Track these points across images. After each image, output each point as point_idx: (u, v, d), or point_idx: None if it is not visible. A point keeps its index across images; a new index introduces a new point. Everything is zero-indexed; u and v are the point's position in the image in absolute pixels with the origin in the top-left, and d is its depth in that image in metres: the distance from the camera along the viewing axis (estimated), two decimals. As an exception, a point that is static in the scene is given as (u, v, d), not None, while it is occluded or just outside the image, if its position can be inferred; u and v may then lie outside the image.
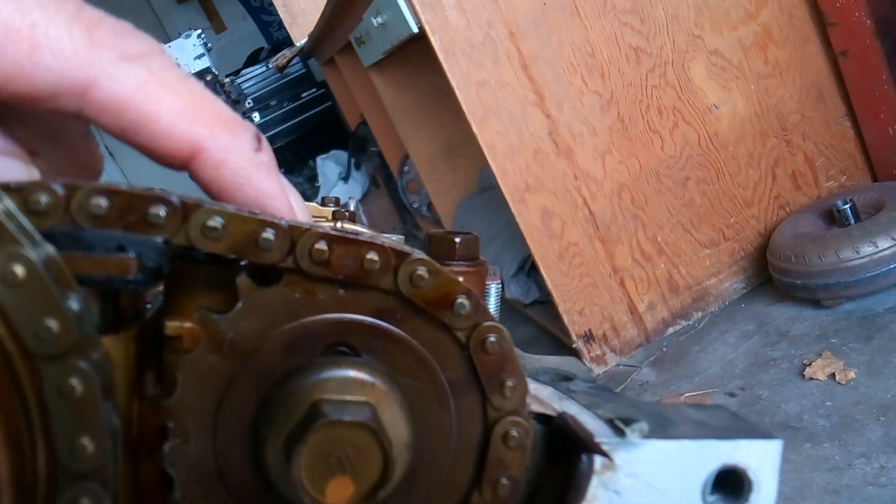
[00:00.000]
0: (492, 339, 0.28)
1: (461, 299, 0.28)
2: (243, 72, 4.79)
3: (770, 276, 1.75)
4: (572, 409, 0.30)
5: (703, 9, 1.76)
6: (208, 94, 0.29)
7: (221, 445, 0.28)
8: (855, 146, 1.88)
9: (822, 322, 1.55)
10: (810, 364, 1.41)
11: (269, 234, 0.27)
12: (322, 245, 0.27)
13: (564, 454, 0.29)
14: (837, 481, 1.14)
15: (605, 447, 0.27)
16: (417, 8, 1.64)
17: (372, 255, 0.27)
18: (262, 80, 4.76)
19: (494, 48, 1.68)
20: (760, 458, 0.28)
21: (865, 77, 1.72)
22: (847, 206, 1.61)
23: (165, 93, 0.28)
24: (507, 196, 1.74)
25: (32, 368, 0.24)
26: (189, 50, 3.97)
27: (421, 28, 1.67)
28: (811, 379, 1.39)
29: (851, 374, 1.34)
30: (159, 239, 0.26)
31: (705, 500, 0.28)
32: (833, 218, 1.65)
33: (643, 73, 1.76)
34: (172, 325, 0.28)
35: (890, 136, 1.74)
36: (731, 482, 0.28)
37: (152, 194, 0.26)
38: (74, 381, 0.24)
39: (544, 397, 0.31)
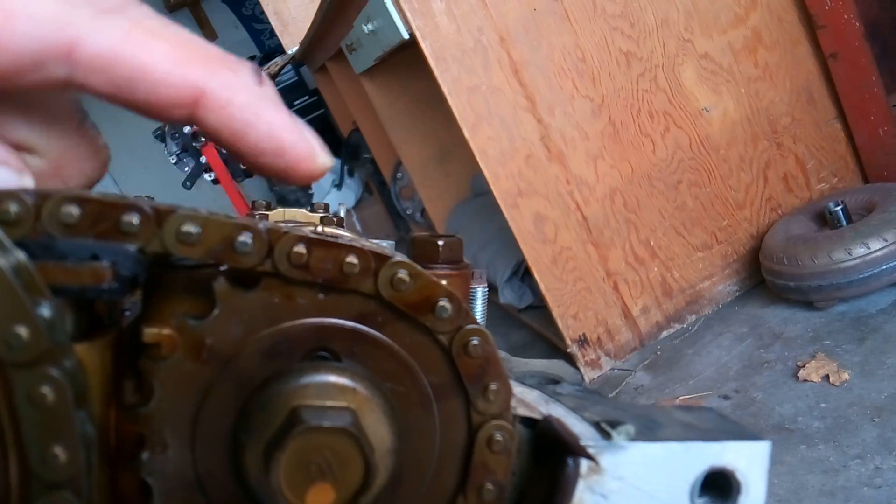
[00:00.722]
0: (475, 342, 0.27)
1: (443, 302, 0.27)
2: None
3: (763, 278, 1.75)
4: (558, 412, 0.30)
5: (693, 13, 1.76)
6: (197, 37, 0.28)
7: (200, 454, 0.27)
8: (846, 148, 1.88)
9: (816, 324, 1.55)
10: (804, 366, 1.41)
11: (245, 237, 0.26)
12: (301, 248, 0.26)
13: (551, 458, 0.29)
14: (832, 483, 1.14)
15: (591, 450, 0.27)
16: (408, 14, 1.64)
17: (351, 259, 0.27)
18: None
19: (485, 54, 1.68)
20: (748, 460, 0.27)
21: (855, 79, 1.73)
22: (839, 207, 1.61)
23: (154, 40, 0.26)
24: (499, 201, 1.73)
25: (2, 376, 0.23)
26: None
27: (412, 34, 1.67)
28: (805, 381, 1.38)
29: (845, 376, 1.34)
30: (133, 247, 0.26)
31: (693, 502, 0.27)
32: (825, 220, 1.66)
33: (634, 77, 1.77)
34: (150, 332, 0.27)
35: (880, 138, 1.75)
36: (719, 484, 0.28)
37: (125, 202, 0.26)
38: (45, 389, 0.23)
39: (530, 401, 0.31)
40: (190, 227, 0.26)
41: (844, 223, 1.60)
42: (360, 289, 0.27)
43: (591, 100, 1.75)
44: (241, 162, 0.29)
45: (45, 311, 0.23)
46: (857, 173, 1.89)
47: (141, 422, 0.27)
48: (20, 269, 0.23)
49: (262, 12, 3.79)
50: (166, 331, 0.27)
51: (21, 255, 0.24)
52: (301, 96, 4.79)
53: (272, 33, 4.10)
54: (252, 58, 5.38)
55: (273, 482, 0.25)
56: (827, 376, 1.36)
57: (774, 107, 1.84)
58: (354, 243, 0.27)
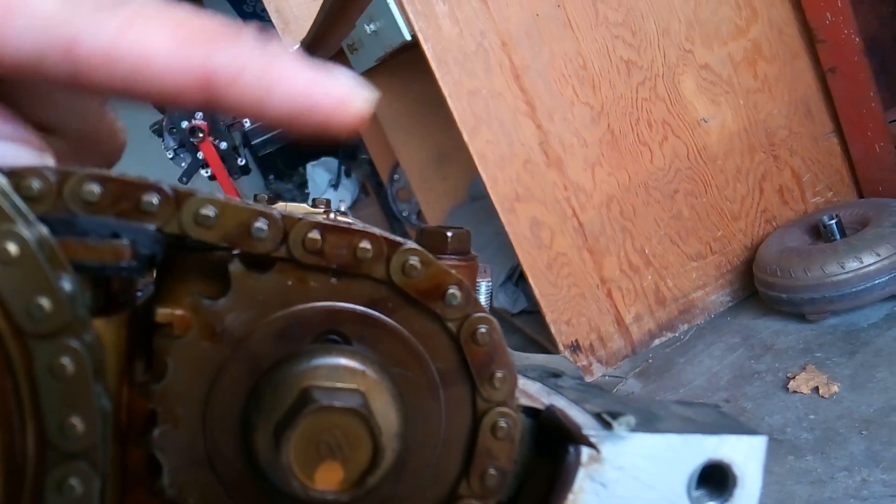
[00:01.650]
0: (482, 330, 0.28)
1: (453, 290, 0.28)
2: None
3: (756, 289, 1.76)
4: (560, 403, 0.30)
5: (694, 23, 1.78)
6: (197, 14, 0.26)
7: (211, 431, 0.28)
8: (842, 162, 1.90)
9: (807, 336, 1.56)
10: (794, 377, 1.42)
11: (261, 223, 0.27)
12: (315, 234, 0.27)
13: (552, 447, 0.29)
14: (820, 494, 1.14)
15: (592, 439, 0.27)
16: (411, 16, 1.65)
17: (365, 244, 0.27)
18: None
19: (487, 58, 1.68)
20: (745, 454, 0.28)
21: (853, 94, 1.74)
22: (833, 221, 1.62)
23: (152, 28, 0.25)
24: (496, 205, 1.74)
25: (23, 347, 0.24)
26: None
27: (414, 36, 1.67)
28: (795, 392, 1.39)
29: (835, 388, 1.35)
30: (152, 226, 0.26)
31: (690, 494, 0.28)
32: (819, 233, 1.67)
33: (634, 85, 1.78)
34: (163, 312, 0.28)
35: (876, 153, 1.76)
36: (716, 477, 0.29)
37: (145, 182, 0.26)
38: (66, 361, 0.24)
39: (532, 392, 0.32)
40: (208, 211, 0.26)
41: (838, 237, 1.61)
42: (372, 274, 0.28)
43: (590, 107, 1.76)
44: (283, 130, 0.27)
45: (67, 284, 0.24)
46: (853, 188, 1.90)
47: (154, 398, 0.27)
48: (43, 243, 0.24)
49: (264, 10, 3.79)
50: (179, 311, 0.28)
51: (44, 230, 0.24)
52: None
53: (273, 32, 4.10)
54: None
55: (283, 460, 0.26)
56: (817, 388, 1.37)
57: (772, 119, 1.85)
58: (367, 229, 0.28)
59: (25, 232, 0.23)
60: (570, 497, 0.27)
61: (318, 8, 2.48)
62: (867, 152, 1.79)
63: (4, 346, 0.24)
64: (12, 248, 0.23)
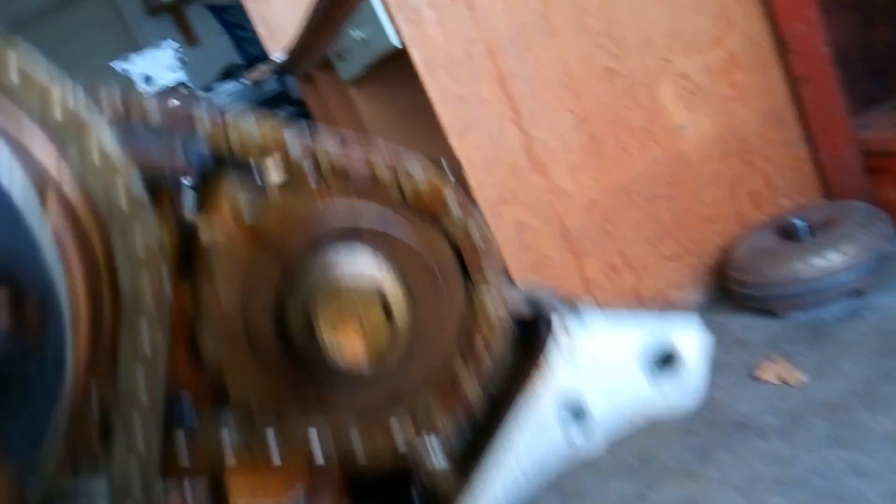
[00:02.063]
0: (475, 233, 0.35)
1: (451, 201, 0.34)
2: (217, 87, 4.78)
3: (728, 288, 1.83)
4: (538, 294, 0.37)
5: (674, 33, 1.85)
6: None
7: (250, 316, 0.34)
8: (811, 168, 1.97)
9: (775, 330, 1.63)
10: (762, 368, 1.49)
11: (294, 143, 0.33)
12: (341, 157, 0.33)
13: (530, 335, 0.35)
14: (786, 473, 1.21)
15: (561, 312, 0.34)
16: (399, 23, 1.69)
17: (382, 167, 0.34)
18: (236, 96, 4.76)
19: (474, 65, 1.74)
20: (683, 329, 0.35)
21: (822, 103, 1.82)
22: (801, 222, 1.70)
23: None
24: (482, 209, 1.78)
25: (102, 235, 0.30)
26: (162, 61, 3.97)
27: (402, 43, 1.72)
28: (763, 382, 1.46)
29: (801, 377, 1.42)
30: (203, 141, 0.33)
31: (642, 363, 0.34)
32: (788, 234, 1.74)
33: (615, 93, 1.84)
34: (206, 220, 0.34)
35: (843, 159, 1.84)
36: (664, 360, 0.35)
37: (196, 108, 0.33)
38: (138, 239, 0.30)
39: (514, 298, 0.38)
40: (250, 128, 0.33)
41: (806, 237, 1.68)
42: (388, 193, 0.34)
43: (573, 114, 1.82)
44: None
45: (136, 185, 0.30)
46: (821, 191, 1.98)
47: (201, 287, 0.33)
48: (118, 150, 0.30)
49: (246, 19, 3.80)
50: (219, 221, 0.34)
51: (116, 140, 0.30)
52: (285, 106, 4.81)
53: (255, 41, 4.12)
54: (233, 65, 5.36)
55: (317, 334, 0.32)
56: (783, 378, 1.44)
57: (746, 126, 1.93)
58: (385, 155, 0.34)
59: (105, 142, 0.30)
60: (542, 360, 0.33)
61: (302, 17, 2.51)
62: (835, 158, 1.87)
63: (88, 235, 0.30)
64: (97, 157, 0.30)
